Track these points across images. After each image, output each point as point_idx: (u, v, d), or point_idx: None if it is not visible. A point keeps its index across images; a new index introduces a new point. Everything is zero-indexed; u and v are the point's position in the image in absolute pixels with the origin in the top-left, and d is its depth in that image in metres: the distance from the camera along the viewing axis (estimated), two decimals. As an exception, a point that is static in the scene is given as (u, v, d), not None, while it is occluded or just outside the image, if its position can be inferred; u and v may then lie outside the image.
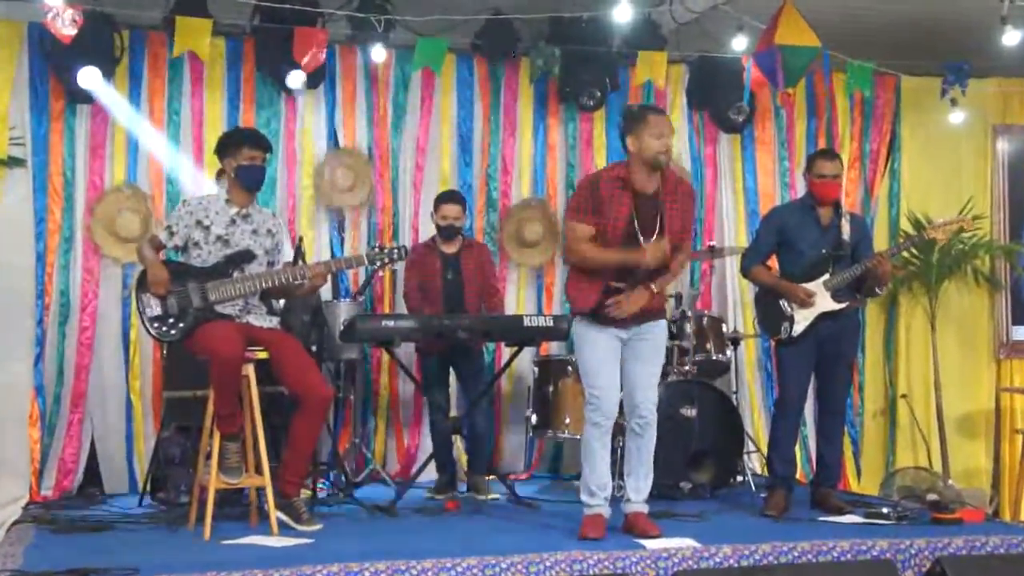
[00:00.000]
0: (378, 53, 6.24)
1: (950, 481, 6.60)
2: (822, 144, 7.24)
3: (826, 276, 5.09)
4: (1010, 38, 5.89)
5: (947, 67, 6.78)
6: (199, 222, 4.68)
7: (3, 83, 5.96)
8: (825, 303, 5.08)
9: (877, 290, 5.22)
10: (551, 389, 6.01)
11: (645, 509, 4.53)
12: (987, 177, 7.47)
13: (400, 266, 6.04)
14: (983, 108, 7.36)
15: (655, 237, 4.41)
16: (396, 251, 4.87)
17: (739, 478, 5.89)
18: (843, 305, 5.10)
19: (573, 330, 4.59)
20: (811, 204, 5.20)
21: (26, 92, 6.00)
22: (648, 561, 3.97)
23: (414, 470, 6.05)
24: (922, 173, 7.38)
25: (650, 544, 4.14)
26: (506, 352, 5.90)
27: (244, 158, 4.69)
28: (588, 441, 4.49)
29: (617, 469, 4.97)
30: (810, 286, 5.09)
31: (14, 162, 5.96)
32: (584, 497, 4.48)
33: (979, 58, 6.73)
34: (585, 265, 4.45)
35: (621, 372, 4.52)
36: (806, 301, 5.06)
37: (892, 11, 6.47)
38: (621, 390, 4.54)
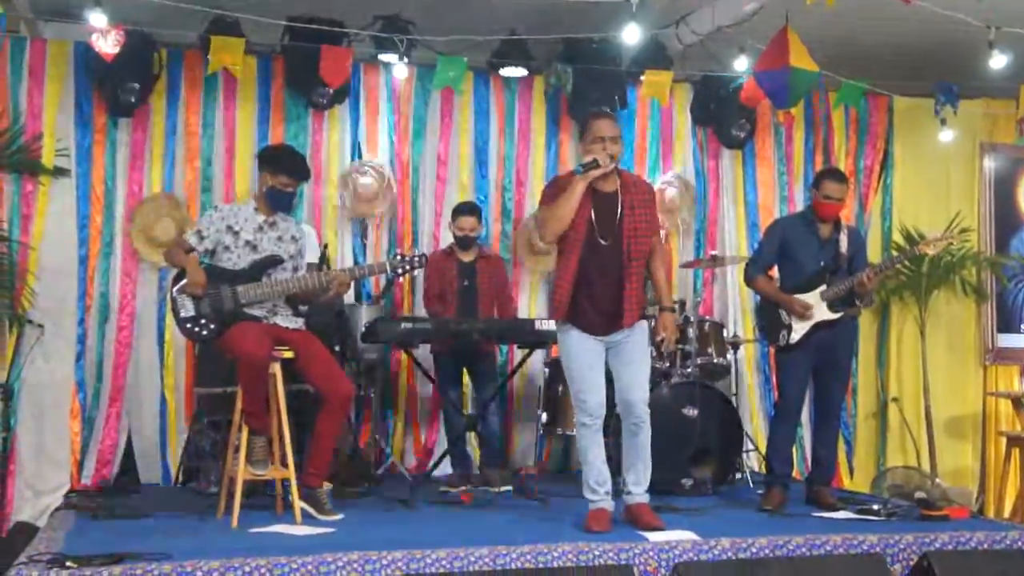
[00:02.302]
0: (400, 71, 6.26)
1: (937, 480, 6.57)
2: (819, 160, 7.23)
3: (822, 287, 5.08)
4: (997, 61, 5.87)
5: (938, 88, 6.76)
6: (230, 227, 4.71)
7: (51, 98, 6.02)
8: (821, 313, 5.07)
9: (859, 303, 5.19)
10: (560, 389, 6.00)
11: (646, 499, 4.53)
12: (974, 193, 7.45)
13: (419, 273, 6.05)
14: (971, 127, 7.33)
15: (617, 231, 4.38)
16: (416, 259, 4.88)
17: (738, 475, 5.88)
18: (838, 315, 5.08)
19: (557, 332, 4.55)
20: (812, 218, 5.19)
21: (72, 106, 6.06)
22: (650, 553, 3.96)
23: (430, 464, 6.05)
24: (913, 188, 7.35)
25: (652, 537, 4.13)
26: (518, 354, 5.90)
27: (279, 182, 4.73)
28: (579, 441, 4.50)
29: (615, 465, 4.95)
30: (807, 297, 5.08)
31: (59, 172, 6.01)
32: (586, 494, 4.48)
33: (968, 80, 6.71)
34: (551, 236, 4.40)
35: (613, 376, 4.51)
36: (803, 314, 5.05)
37: (885, 35, 6.45)
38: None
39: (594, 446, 4.46)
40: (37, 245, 5.96)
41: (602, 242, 4.38)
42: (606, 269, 4.39)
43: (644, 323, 4.52)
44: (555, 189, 4.45)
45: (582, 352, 4.44)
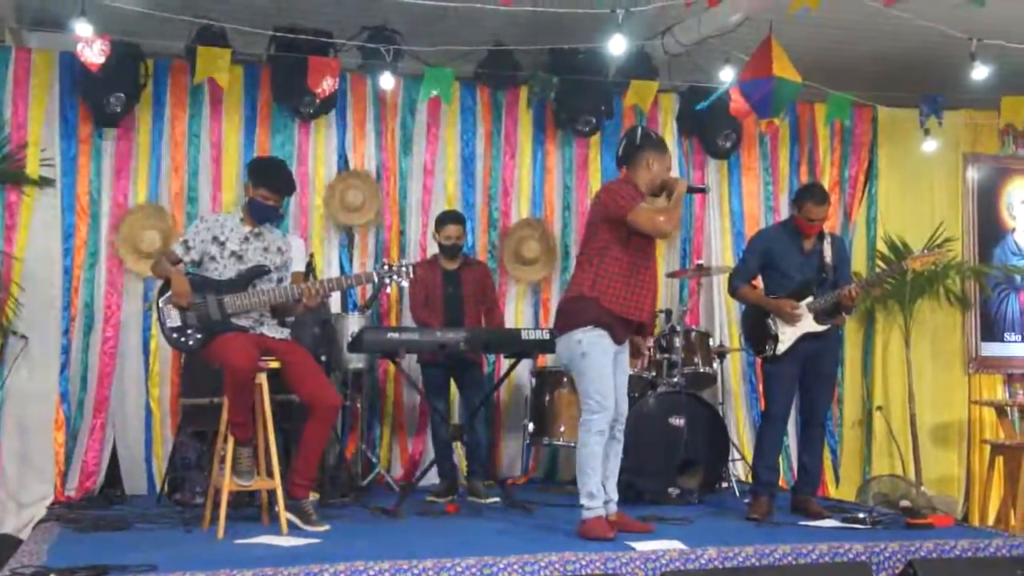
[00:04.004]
0: (387, 81, 6.27)
1: (922, 488, 6.58)
2: (804, 170, 7.27)
3: (809, 299, 5.10)
4: (979, 73, 5.93)
5: (922, 99, 6.82)
6: (215, 238, 4.70)
7: (36, 108, 6.01)
8: (807, 324, 5.08)
9: (844, 313, 5.21)
10: (547, 399, 6.01)
11: None
12: (958, 203, 7.50)
13: (406, 282, 6.04)
14: (954, 138, 7.40)
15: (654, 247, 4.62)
16: (403, 268, 4.86)
17: (724, 484, 5.89)
18: (826, 327, 5.10)
19: (580, 338, 4.47)
20: (795, 229, 5.20)
21: (57, 117, 6.05)
22: (637, 562, 3.96)
23: (417, 475, 6.04)
24: (898, 198, 7.40)
25: (639, 546, 4.13)
26: (505, 363, 5.90)
27: (260, 195, 4.73)
28: (590, 446, 4.43)
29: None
30: (795, 306, 5.11)
31: (44, 182, 6.00)
32: (585, 501, 4.44)
33: (950, 91, 6.76)
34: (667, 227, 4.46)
35: None
36: (793, 315, 5.05)
37: (869, 46, 6.51)
38: None
39: (600, 455, 4.47)
40: (21, 256, 5.94)
41: (648, 253, 4.57)
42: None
43: None
44: (632, 191, 4.49)
45: (607, 355, 4.47)
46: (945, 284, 7.24)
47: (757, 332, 5.21)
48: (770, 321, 5.12)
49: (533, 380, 6.13)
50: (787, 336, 5.08)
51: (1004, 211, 7.62)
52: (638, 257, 4.49)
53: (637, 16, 5.60)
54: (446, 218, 5.96)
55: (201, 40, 5.92)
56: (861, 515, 4.90)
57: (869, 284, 5.25)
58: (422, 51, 6.18)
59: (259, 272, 4.71)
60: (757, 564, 4.07)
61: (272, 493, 4.62)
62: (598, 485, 4.44)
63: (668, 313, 6.28)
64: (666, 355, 5.90)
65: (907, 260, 5.30)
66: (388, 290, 6.42)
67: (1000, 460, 6.46)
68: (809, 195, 5.14)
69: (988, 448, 6.75)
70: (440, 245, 5.90)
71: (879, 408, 7.21)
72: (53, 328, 5.96)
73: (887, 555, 4.20)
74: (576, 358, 4.49)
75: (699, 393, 5.95)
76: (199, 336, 4.59)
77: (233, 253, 4.70)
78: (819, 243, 5.18)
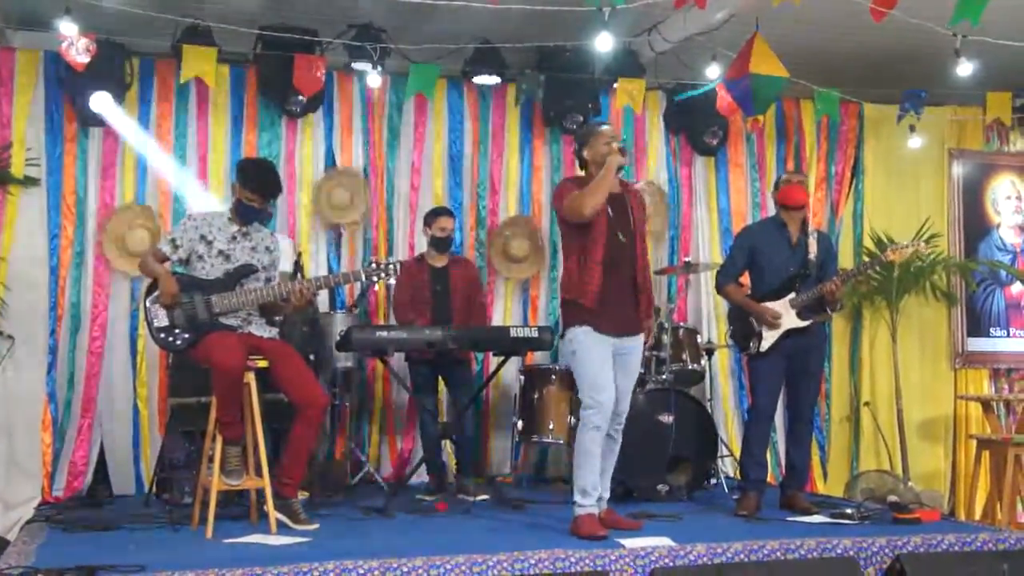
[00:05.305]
0: (373, 79, 6.26)
1: (909, 483, 6.62)
2: (791, 166, 7.29)
3: (792, 295, 5.12)
4: (963, 69, 5.95)
5: (905, 94, 6.85)
6: (203, 236, 4.68)
7: (20, 108, 5.98)
8: (790, 320, 5.10)
9: (828, 309, 5.23)
10: (536, 396, 6.01)
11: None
12: (943, 198, 7.55)
13: (393, 280, 6.03)
14: (940, 134, 7.44)
15: (630, 229, 4.52)
16: (391, 266, 4.85)
17: (713, 481, 5.91)
18: (808, 322, 5.12)
19: (570, 337, 4.49)
20: (781, 224, 5.23)
21: (42, 116, 6.03)
22: (627, 559, 3.97)
23: (406, 473, 6.04)
24: (884, 194, 7.44)
25: (629, 543, 4.14)
26: (494, 361, 5.90)
27: (245, 196, 4.70)
28: (586, 444, 4.42)
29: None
30: (777, 304, 5.12)
31: (29, 181, 5.97)
32: (578, 498, 4.43)
33: (936, 87, 6.79)
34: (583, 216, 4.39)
35: None
36: (773, 323, 5.09)
37: (855, 43, 6.52)
38: None
39: (596, 450, 4.45)
40: (7, 256, 5.92)
41: (620, 238, 4.48)
42: (623, 266, 4.50)
43: (642, 336, 4.64)
44: (574, 183, 4.52)
45: (596, 350, 4.45)
46: (931, 280, 7.28)
47: (741, 329, 5.24)
48: (752, 320, 5.15)
49: (521, 378, 6.13)
50: (769, 334, 5.11)
51: (989, 206, 7.67)
52: (592, 244, 4.44)
53: (623, 14, 5.60)
54: (439, 211, 5.98)
55: (187, 39, 5.90)
56: (849, 510, 4.92)
57: (849, 276, 5.29)
58: (409, 49, 6.18)
59: (247, 271, 4.70)
60: (746, 560, 4.08)
61: (261, 492, 4.61)
62: (593, 483, 4.44)
63: (656, 310, 6.29)
64: (654, 352, 5.91)
65: (886, 252, 5.34)
66: (376, 288, 6.42)
67: (986, 455, 6.50)
68: (784, 171, 5.28)
69: (974, 443, 6.79)
70: (433, 238, 5.89)
71: (866, 404, 7.24)
72: (40, 328, 5.94)
73: (875, 550, 4.22)
74: (570, 358, 4.58)
75: (687, 390, 5.97)
76: (187, 336, 4.58)
77: (221, 252, 4.68)
78: (804, 237, 5.21)
